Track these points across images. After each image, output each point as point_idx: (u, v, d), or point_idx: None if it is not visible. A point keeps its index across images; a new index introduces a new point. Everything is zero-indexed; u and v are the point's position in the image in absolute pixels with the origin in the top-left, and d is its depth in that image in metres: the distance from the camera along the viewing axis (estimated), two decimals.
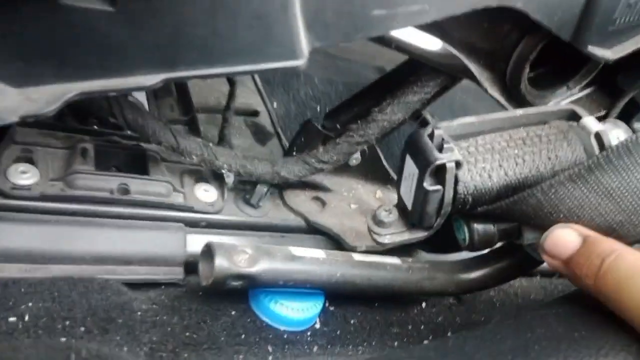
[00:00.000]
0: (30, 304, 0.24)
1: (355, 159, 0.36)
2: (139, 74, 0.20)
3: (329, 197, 0.37)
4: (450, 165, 0.24)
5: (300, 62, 0.22)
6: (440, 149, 0.25)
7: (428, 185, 0.25)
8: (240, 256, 0.27)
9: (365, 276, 0.30)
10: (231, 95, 0.44)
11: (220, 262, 0.26)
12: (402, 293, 0.32)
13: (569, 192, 0.24)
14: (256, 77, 0.56)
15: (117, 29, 0.19)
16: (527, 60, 0.29)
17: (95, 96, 0.20)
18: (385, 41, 0.26)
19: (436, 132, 0.25)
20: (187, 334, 0.28)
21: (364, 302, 0.34)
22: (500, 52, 0.29)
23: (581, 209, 0.25)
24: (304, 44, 0.22)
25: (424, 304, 0.36)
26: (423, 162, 0.25)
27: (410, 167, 0.26)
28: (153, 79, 0.20)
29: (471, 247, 0.29)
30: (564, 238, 0.24)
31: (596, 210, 0.25)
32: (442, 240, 0.32)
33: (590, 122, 0.27)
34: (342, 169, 0.37)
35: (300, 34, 0.21)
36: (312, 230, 0.35)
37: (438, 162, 0.24)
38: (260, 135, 0.51)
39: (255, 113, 0.51)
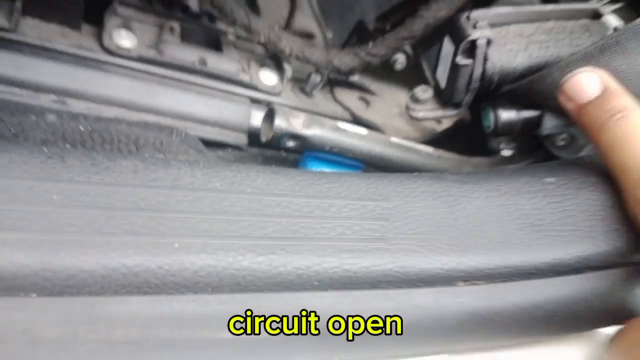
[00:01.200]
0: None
1: (401, 63, 0.40)
2: None
3: (374, 99, 0.42)
4: (482, 42, 0.28)
5: None
6: (475, 27, 0.29)
7: (460, 59, 0.29)
8: (296, 119, 0.32)
9: (399, 156, 0.35)
10: (291, 15, 0.49)
11: (279, 122, 0.31)
12: None
13: None
14: (314, 5, 0.61)
15: None
16: None
17: None
18: None
19: (473, 14, 0.29)
20: None
21: None
22: None
23: None
24: None
25: None
26: (458, 37, 0.29)
27: (447, 48, 0.30)
28: None
29: (495, 132, 0.33)
30: (586, 83, 0.24)
31: None
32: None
33: (611, 18, 0.30)
34: (388, 75, 0.41)
35: None
36: (357, 123, 0.40)
37: (471, 38, 0.28)
38: (315, 57, 0.56)
39: (310, 35, 0.56)
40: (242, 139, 0.35)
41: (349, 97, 0.41)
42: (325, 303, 0.16)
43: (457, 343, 0.19)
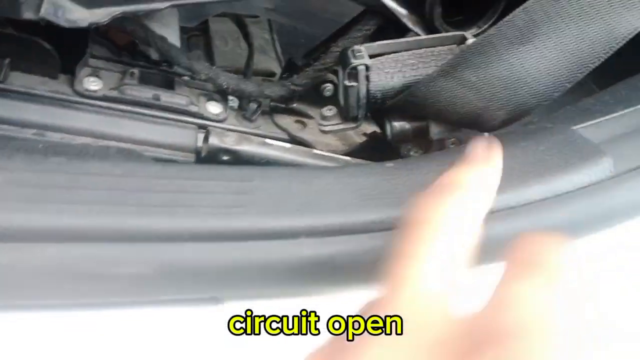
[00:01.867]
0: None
1: (329, 90, 0.48)
2: (156, 2, 0.34)
3: (310, 121, 0.49)
4: (361, 68, 0.36)
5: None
6: (355, 57, 0.36)
7: (347, 82, 0.37)
8: (228, 138, 0.40)
9: (319, 165, 0.42)
10: (250, 57, 0.58)
11: (213, 140, 0.39)
12: None
13: (442, 85, 0.35)
14: (277, 46, 0.69)
15: None
16: (437, 3, 0.40)
17: (129, 15, 0.34)
18: None
19: (356, 47, 0.37)
20: None
21: None
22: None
23: (453, 98, 0.35)
24: None
25: None
26: (344, 65, 0.37)
27: (340, 75, 0.38)
28: (164, 5, 0.34)
29: (393, 140, 0.40)
30: None
31: (464, 99, 0.35)
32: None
33: (472, 42, 0.38)
34: (321, 101, 0.49)
35: None
36: (293, 142, 0.47)
37: (352, 65, 0.36)
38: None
39: (272, 74, 0.65)
40: (190, 157, 0.43)
41: (287, 121, 0.49)
42: (191, 249, 0.23)
43: (295, 287, 0.25)
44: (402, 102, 0.37)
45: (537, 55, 0.33)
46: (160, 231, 0.23)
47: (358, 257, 0.26)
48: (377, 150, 0.46)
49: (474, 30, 0.43)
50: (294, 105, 0.48)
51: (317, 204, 0.26)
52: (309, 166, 0.29)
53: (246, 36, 0.59)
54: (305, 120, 0.49)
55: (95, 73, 0.42)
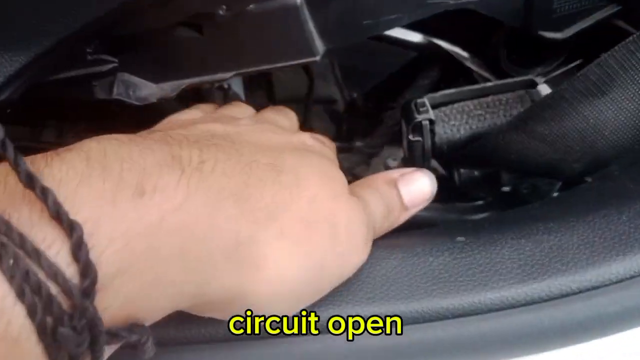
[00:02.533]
0: None
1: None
2: (220, 72, 0.34)
3: (375, 159, 0.49)
4: (425, 123, 0.35)
5: (317, 58, 0.34)
6: (419, 112, 0.35)
7: (411, 137, 0.36)
8: None
9: None
10: (310, 86, 0.58)
11: None
12: (418, 226, 0.42)
13: (512, 138, 0.33)
14: (337, 71, 0.69)
15: (205, 46, 0.33)
16: (501, 45, 0.38)
17: (197, 86, 0.34)
18: (381, 39, 0.38)
19: (419, 100, 0.36)
20: None
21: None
22: (480, 39, 0.39)
23: (525, 150, 0.34)
24: (319, 46, 0.34)
25: None
26: (407, 120, 0.36)
27: (403, 127, 0.37)
28: (228, 75, 0.34)
29: (460, 187, 0.39)
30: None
31: (536, 151, 0.34)
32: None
33: (543, 87, 0.36)
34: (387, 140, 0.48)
35: (315, 40, 0.34)
36: None
37: (416, 120, 0.35)
38: (336, 119, 0.64)
39: (333, 101, 0.64)
40: None
41: (351, 161, 0.48)
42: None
43: None
44: (470, 153, 0.36)
45: (615, 108, 0.31)
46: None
47: (430, 345, 0.25)
48: (442, 189, 0.45)
49: (541, 69, 0.41)
50: (357, 144, 0.48)
51: (385, 290, 0.26)
52: (375, 242, 0.28)
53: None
54: (369, 160, 0.49)
55: None
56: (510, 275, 0.26)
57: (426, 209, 0.43)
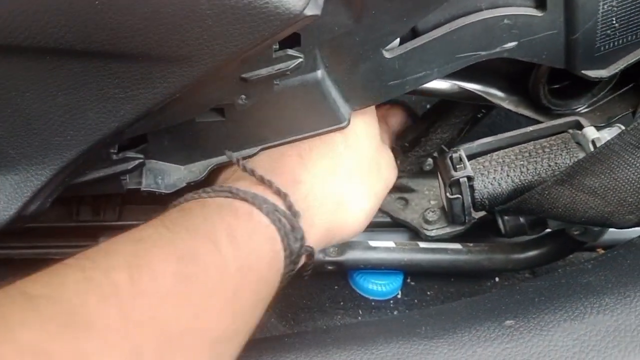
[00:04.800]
0: None
1: (429, 164, 0.45)
2: (246, 148, 0.33)
3: (412, 196, 0.47)
4: (463, 180, 0.33)
5: (345, 124, 0.33)
6: (455, 168, 0.34)
7: (450, 195, 0.34)
8: (331, 249, 0.39)
9: (429, 258, 0.40)
10: None
11: (318, 255, 0.39)
12: (465, 271, 0.41)
13: (559, 193, 0.31)
14: None
15: (229, 128, 0.32)
16: (541, 82, 0.36)
17: (224, 164, 0.34)
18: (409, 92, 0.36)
19: (454, 154, 0.34)
20: (304, 302, 0.41)
21: (441, 278, 0.44)
22: (518, 78, 0.36)
23: (574, 204, 0.32)
24: (345, 112, 0.33)
25: (497, 279, 0.45)
26: (444, 178, 0.34)
27: (440, 182, 0.36)
28: (255, 150, 0.33)
29: (507, 235, 0.37)
30: None
31: (586, 205, 0.31)
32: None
33: (589, 131, 0.33)
34: (422, 173, 0.47)
35: (340, 107, 0.32)
36: (396, 225, 0.46)
37: (452, 179, 0.33)
38: None
39: None
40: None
41: (388, 200, 0.47)
42: None
43: None
44: (514, 207, 0.34)
45: None
46: None
47: None
48: (485, 229, 0.43)
49: (587, 98, 0.38)
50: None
51: None
52: (417, 329, 0.27)
53: None
54: (406, 195, 0.47)
55: None
56: None
57: (473, 252, 0.42)
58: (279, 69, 0.27)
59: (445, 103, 0.41)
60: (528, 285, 0.31)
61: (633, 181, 0.30)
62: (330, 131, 0.33)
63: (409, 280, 0.43)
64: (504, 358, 0.25)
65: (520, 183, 0.34)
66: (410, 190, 0.48)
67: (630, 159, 0.29)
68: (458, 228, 0.38)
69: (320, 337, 0.28)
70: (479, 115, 0.42)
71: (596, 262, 0.31)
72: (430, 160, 0.45)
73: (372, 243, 0.40)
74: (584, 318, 0.26)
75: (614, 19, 0.31)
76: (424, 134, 0.41)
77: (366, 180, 0.34)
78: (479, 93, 0.36)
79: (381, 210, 0.46)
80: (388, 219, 0.46)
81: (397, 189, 0.48)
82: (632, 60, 0.33)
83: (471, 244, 0.41)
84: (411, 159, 0.43)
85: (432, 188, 0.48)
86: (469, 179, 0.33)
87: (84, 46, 0.23)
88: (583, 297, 0.27)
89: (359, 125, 0.34)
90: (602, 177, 0.30)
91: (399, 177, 0.46)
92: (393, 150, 0.42)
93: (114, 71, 0.24)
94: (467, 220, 0.36)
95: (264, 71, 0.27)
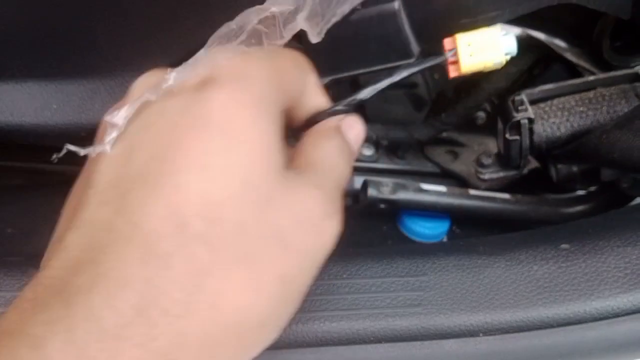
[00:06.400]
0: None
1: (481, 119, 0.46)
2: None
3: (462, 150, 0.48)
4: (524, 122, 0.35)
5: (413, 59, 0.34)
6: (517, 110, 0.35)
7: (509, 136, 0.35)
8: (385, 187, 0.41)
9: (479, 205, 0.42)
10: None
11: (371, 192, 0.40)
12: (511, 220, 0.42)
13: (617, 137, 0.32)
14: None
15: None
16: (604, 34, 0.37)
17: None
18: None
19: (516, 97, 0.35)
20: (353, 239, 0.42)
21: (485, 228, 0.45)
22: (582, 29, 0.37)
23: (631, 150, 0.33)
24: (414, 48, 0.34)
25: None
26: (505, 119, 0.35)
27: (500, 125, 0.37)
28: (325, 80, 0.35)
29: (558, 182, 0.38)
30: None
31: None
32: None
33: None
34: (473, 127, 0.48)
35: (411, 42, 0.34)
36: (446, 175, 0.47)
37: (513, 120, 0.35)
38: (418, 103, 0.64)
39: (414, 85, 0.64)
40: (348, 202, 0.45)
41: (438, 152, 0.48)
42: (378, 352, 0.26)
43: None
44: (570, 151, 0.35)
45: None
46: (352, 333, 0.25)
47: (537, 353, 0.26)
48: (538, 182, 0.45)
49: None
50: (444, 135, 0.48)
51: (491, 298, 0.26)
52: (477, 249, 0.29)
53: None
54: (456, 149, 0.49)
55: None
56: (616, 284, 0.26)
57: (520, 203, 0.43)
58: None
59: None
60: (582, 220, 0.32)
61: None
62: (399, 64, 0.35)
63: (454, 228, 0.45)
64: (559, 275, 0.27)
65: (578, 128, 0.35)
66: (460, 144, 0.49)
67: None
68: (512, 172, 0.39)
69: (382, 250, 0.30)
70: (534, 73, 0.43)
71: None
72: (482, 114, 0.46)
73: (424, 186, 0.41)
74: (637, 244, 0.27)
75: None
76: (475, 84, 0.43)
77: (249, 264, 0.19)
78: (545, 41, 0.37)
79: (431, 160, 0.48)
80: (437, 170, 0.48)
81: (447, 142, 0.49)
82: None
83: (519, 195, 0.43)
84: (459, 111, 0.44)
85: (483, 144, 0.49)
86: (530, 121, 0.35)
87: None
88: (637, 228, 0.28)
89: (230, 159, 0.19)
90: None
91: (448, 131, 0.48)
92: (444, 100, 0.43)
93: None
94: (522, 165, 0.37)
95: None
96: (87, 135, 0.30)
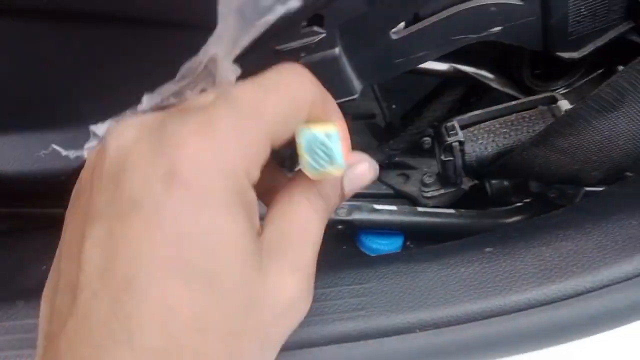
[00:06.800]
0: None
1: (427, 143, 0.51)
2: None
3: (412, 172, 0.53)
4: (455, 144, 0.39)
5: (356, 96, 0.39)
6: (449, 134, 0.40)
7: (443, 157, 0.40)
8: (341, 210, 0.45)
9: (426, 220, 0.46)
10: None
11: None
12: (457, 232, 0.47)
13: (535, 153, 0.37)
14: (375, 87, 0.73)
15: None
16: (524, 64, 0.42)
17: None
18: (411, 71, 0.42)
19: (448, 123, 0.40)
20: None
21: (436, 242, 0.49)
22: (505, 61, 0.43)
23: (548, 163, 0.37)
24: (357, 86, 0.39)
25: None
26: (439, 142, 0.40)
27: (436, 148, 0.42)
28: None
29: (492, 197, 0.43)
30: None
31: (558, 163, 0.37)
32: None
33: (563, 104, 0.39)
34: (421, 151, 0.53)
35: (353, 81, 0.39)
36: (399, 196, 0.52)
37: (446, 143, 0.39)
38: (377, 133, 0.69)
39: (372, 116, 0.69)
40: None
41: (391, 176, 0.53)
42: (327, 353, 0.29)
43: None
44: (498, 168, 0.40)
45: (627, 120, 0.35)
46: (304, 338, 0.29)
47: (466, 343, 0.30)
48: (478, 196, 0.49)
49: (564, 82, 0.44)
50: (396, 159, 0.53)
51: (425, 299, 0.30)
52: (414, 257, 0.33)
53: None
54: (407, 172, 0.53)
55: None
56: (531, 279, 0.30)
57: (464, 216, 0.47)
58: (306, 42, 0.33)
59: (438, 85, 0.47)
60: (508, 227, 0.36)
61: (596, 141, 0.36)
62: (343, 102, 0.39)
63: (408, 243, 0.49)
64: (483, 274, 0.31)
65: (503, 147, 0.40)
66: (411, 167, 0.54)
67: (593, 121, 0.35)
68: (451, 189, 0.44)
69: (331, 263, 0.34)
70: (471, 100, 0.48)
71: (565, 209, 0.36)
72: (428, 140, 0.51)
73: (377, 206, 0.46)
74: (550, 244, 0.32)
75: (582, 7, 0.37)
76: (418, 114, 0.48)
77: None
78: (472, 74, 0.42)
79: (384, 183, 0.53)
80: (391, 191, 0.52)
81: (399, 166, 0.54)
82: (600, 44, 0.39)
83: (463, 210, 0.47)
84: (405, 137, 0.49)
85: (431, 166, 0.54)
86: (460, 143, 0.39)
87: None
88: (551, 231, 0.33)
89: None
90: (570, 138, 0.36)
91: (399, 155, 0.52)
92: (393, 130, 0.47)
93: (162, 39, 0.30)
94: (458, 182, 0.42)
95: (294, 44, 0.33)
96: (67, 178, 0.34)
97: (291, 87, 0.23)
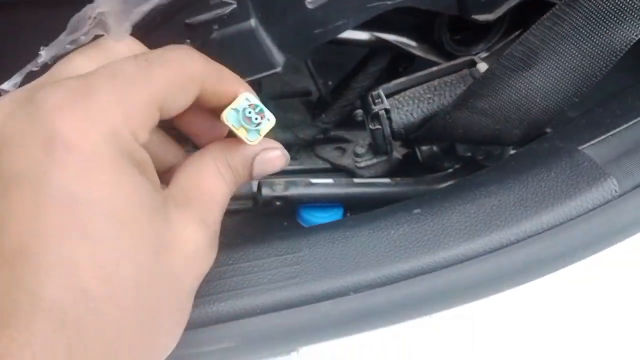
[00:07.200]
0: None
1: (360, 115, 0.52)
2: None
3: (348, 145, 0.53)
4: (382, 113, 0.40)
5: (279, 69, 0.39)
6: (375, 103, 0.40)
7: (371, 126, 0.41)
8: (277, 186, 0.45)
9: (364, 191, 0.47)
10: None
11: (265, 191, 0.44)
12: (394, 201, 0.47)
13: (458, 115, 0.38)
14: (309, 63, 0.73)
15: None
16: (443, 30, 0.43)
17: None
18: (333, 42, 0.42)
19: (374, 92, 0.41)
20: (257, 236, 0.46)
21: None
22: (425, 27, 0.43)
23: (470, 125, 0.39)
24: (279, 58, 0.39)
25: None
26: (366, 111, 0.41)
27: (365, 119, 0.42)
28: None
29: (424, 163, 0.44)
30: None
31: (480, 124, 0.38)
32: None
33: (481, 66, 0.40)
34: (356, 123, 0.53)
35: (274, 54, 0.38)
36: (337, 170, 0.52)
37: (373, 111, 0.40)
38: (312, 109, 0.69)
39: (308, 93, 0.69)
40: (248, 204, 0.48)
41: (327, 150, 0.53)
42: (264, 322, 0.29)
43: (351, 332, 0.30)
44: (425, 133, 0.41)
45: (542, 77, 0.36)
46: (239, 309, 0.29)
47: (399, 302, 0.30)
48: (414, 165, 0.50)
49: (484, 45, 0.45)
50: (331, 134, 0.53)
51: (357, 262, 0.31)
52: (345, 224, 0.33)
53: None
54: (343, 145, 0.54)
55: None
56: (458, 236, 0.31)
57: (399, 185, 0.48)
58: (216, 14, 0.33)
59: (363, 57, 0.48)
60: (437, 189, 0.37)
61: (513, 100, 0.37)
62: (267, 75, 0.39)
63: (348, 215, 0.50)
64: (412, 235, 0.32)
65: (428, 113, 0.40)
66: (347, 140, 0.54)
67: (509, 80, 0.36)
68: (383, 158, 0.45)
69: (263, 236, 0.34)
70: (400, 69, 0.49)
71: (488, 168, 0.38)
72: (361, 112, 0.52)
73: (313, 180, 0.46)
74: (474, 201, 0.33)
75: None
76: (345, 86, 0.48)
77: None
78: (393, 42, 0.43)
79: (321, 158, 0.53)
80: (328, 165, 0.52)
81: (334, 140, 0.54)
82: (513, 4, 0.40)
83: (398, 179, 0.48)
84: (335, 110, 0.49)
85: (366, 138, 0.55)
86: (387, 111, 0.40)
87: None
88: (475, 189, 0.34)
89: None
90: (489, 98, 0.37)
91: (333, 129, 0.53)
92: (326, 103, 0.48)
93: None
94: (389, 150, 0.42)
95: (204, 16, 0.33)
96: None
97: (177, 61, 0.23)
